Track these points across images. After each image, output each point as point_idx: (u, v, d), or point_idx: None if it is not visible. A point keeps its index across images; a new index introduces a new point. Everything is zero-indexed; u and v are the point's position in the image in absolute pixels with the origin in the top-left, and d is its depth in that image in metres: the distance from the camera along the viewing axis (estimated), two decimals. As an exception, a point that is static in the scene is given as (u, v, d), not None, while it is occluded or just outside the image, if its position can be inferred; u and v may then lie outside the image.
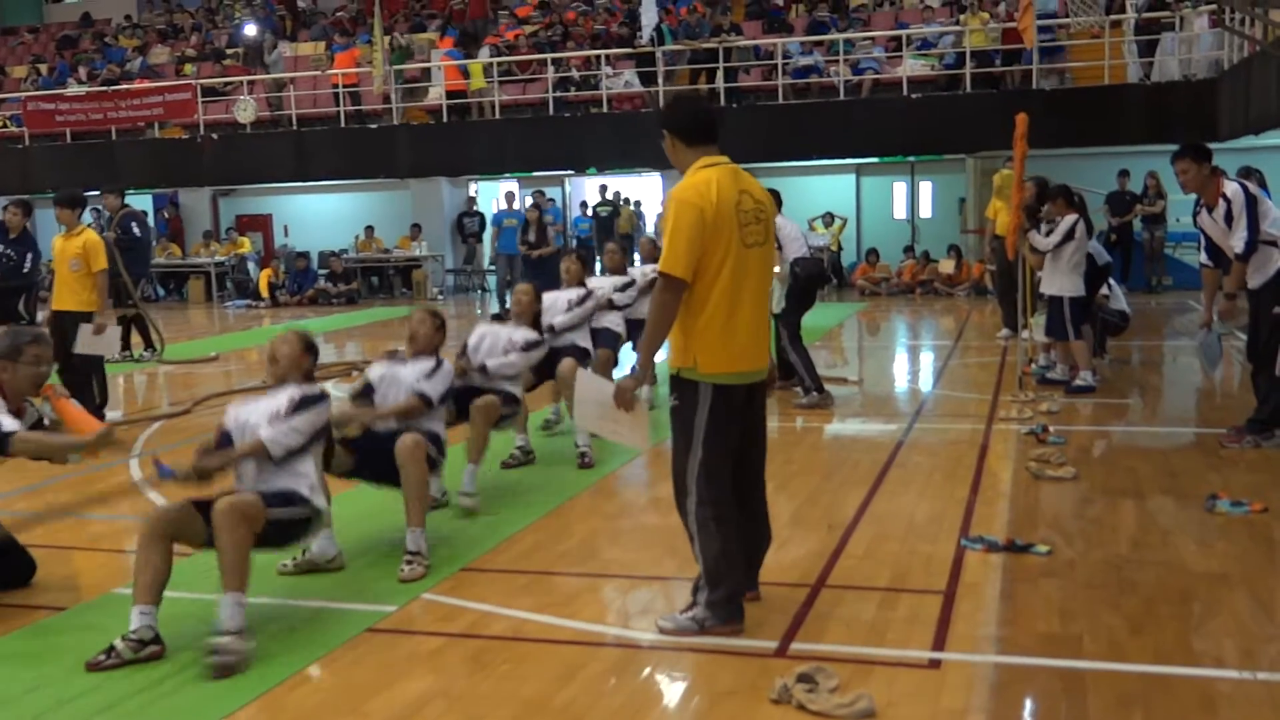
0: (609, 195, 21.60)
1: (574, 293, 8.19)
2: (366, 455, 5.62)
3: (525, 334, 7.06)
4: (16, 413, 5.02)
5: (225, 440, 4.91)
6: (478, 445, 6.44)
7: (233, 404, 5.13)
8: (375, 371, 6.09)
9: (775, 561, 5.34)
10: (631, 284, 9.01)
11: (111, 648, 4.34)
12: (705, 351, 4.42)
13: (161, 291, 22.89)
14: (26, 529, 6.26)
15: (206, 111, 22.52)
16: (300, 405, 4.85)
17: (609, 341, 8.57)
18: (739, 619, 4.52)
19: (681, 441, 4.51)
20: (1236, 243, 7.18)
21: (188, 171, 22.84)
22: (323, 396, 4.98)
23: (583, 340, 8.06)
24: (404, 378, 5.94)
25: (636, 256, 12.38)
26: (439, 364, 6.01)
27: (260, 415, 4.87)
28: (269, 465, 4.75)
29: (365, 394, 6.00)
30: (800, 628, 4.56)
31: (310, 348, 5.16)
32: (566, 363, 7.51)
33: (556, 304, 8.10)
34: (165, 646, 4.40)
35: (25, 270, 9.82)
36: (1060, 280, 9.57)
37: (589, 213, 22.33)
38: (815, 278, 9.67)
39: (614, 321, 8.76)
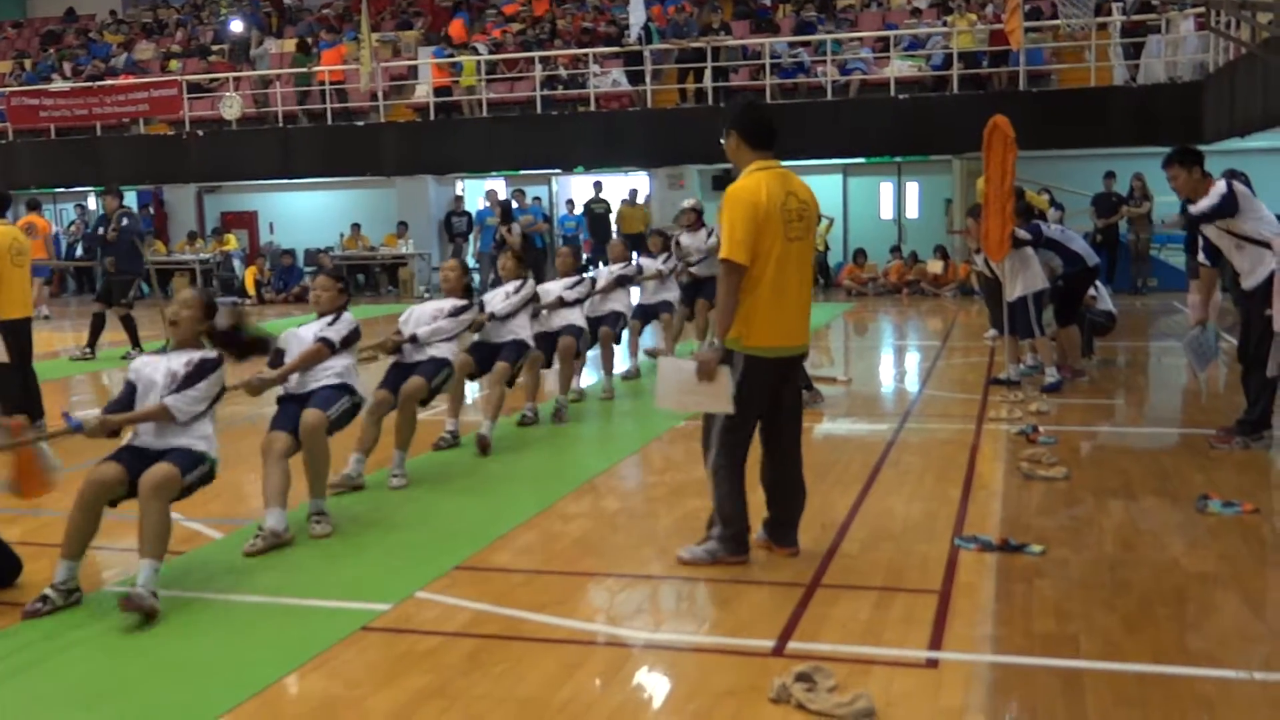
0: (603, 193, 21.52)
1: (510, 285, 8.42)
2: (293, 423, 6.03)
3: (452, 302, 7.49)
4: None
5: (130, 392, 5.27)
6: (404, 430, 6.97)
7: (138, 358, 5.46)
8: (282, 338, 6.44)
9: (769, 560, 5.36)
10: (580, 282, 9.34)
11: (45, 596, 4.83)
12: (751, 327, 5.10)
13: (146, 289, 22.75)
14: (10, 527, 6.21)
15: (192, 108, 22.42)
16: (199, 372, 5.19)
17: (573, 332, 9.05)
18: (745, 553, 5.33)
19: None
20: (1201, 205, 7.24)
21: (173, 168, 22.73)
22: (219, 362, 5.31)
23: (523, 333, 8.27)
24: (305, 335, 6.36)
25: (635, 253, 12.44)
26: (339, 315, 6.44)
27: (161, 374, 5.21)
28: (172, 425, 5.12)
29: (278, 360, 6.28)
30: (797, 627, 4.55)
31: (209, 311, 5.46)
32: (565, 341, 8.69)
33: (495, 297, 8.37)
34: (83, 594, 4.94)
35: None
36: (1024, 280, 9.62)
37: (575, 210, 22.31)
38: None
39: (575, 317, 9.12)
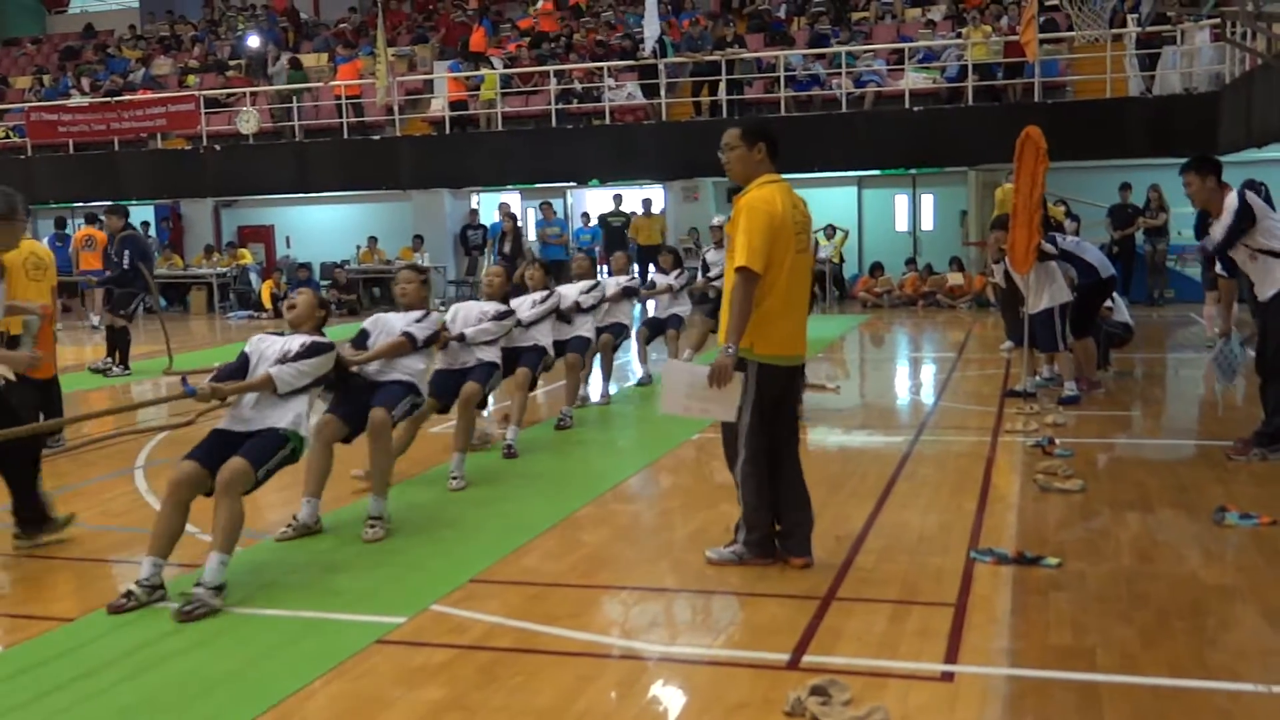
0: (623, 206, 21.50)
1: (538, 294, 8.75)
2: (352, 412, 6.27)
3: (496, 306, 7.80)
4: None
5: (243, 362, 5.65)
6: (463, 434, 7.23)
7: (257, 335, 5.83)
8: (369, 320, 6.82)
9: (784, 574, 5.36)
10: (596, 286, 9.69)
11: (130, 592, 5.01)
12: (761, 337, 5.19)
13: (164, 302, 22.87)
14: (32, 539, 6.24)
15: (209, 123, 22.56)
16: (310, 351, 5.58)
17: (579, 346, 9.30)
18: (771, 556, 5.45)
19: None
20: (1208, 241, 7.24)
21: (190, 182, 22.89)
22: (330, 346, 5.71)
23: (543, 340, 8.59)
24: (394, 324, 6.63)
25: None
26: (427, 313, 6.76)
27: (274, 351, 5.60)
28: (271, 396, 5.43)
29: (361, 340, 6.61)
30: (812, 640, 4.54)
31: (324, 304, 5.97)
32: (571, 357, 8.79)
33: (522, 304, 8.58)
34: (167, 592, 5.11)
35: None
36: (1049, 293, 9.58)
37: (591, 223, 22.33)
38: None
39: (584, 328, 9.39)
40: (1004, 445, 8.15)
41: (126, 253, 13.28)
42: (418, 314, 6.70)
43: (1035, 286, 9.64)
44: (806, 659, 4.35)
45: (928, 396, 11.03)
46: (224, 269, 23.05)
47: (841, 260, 20.61)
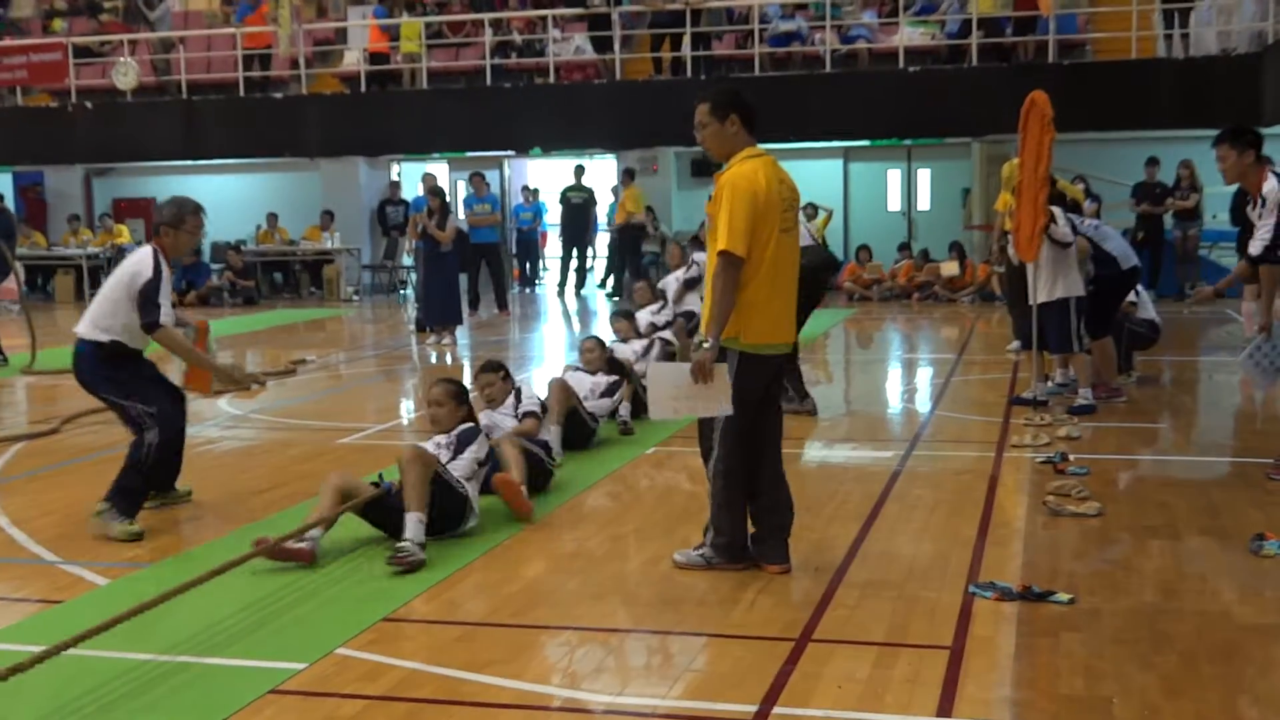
0: (584, 180, 21.37)
1: (603, 380, 9.35)
2: None
3: (606, 379, 9.19)
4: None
5: None
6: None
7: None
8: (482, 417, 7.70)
9: (753, 611, 5.39)
10: (664, 307, 11.35)
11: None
12: (746, 324, 5.54)
13: (26, 289, 22.56)
14: None
15: (79, 76, 22.32)
16: (464, 441, 6.67)
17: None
18: (740, 562, 5.82)
19: None
20: (1254, 245, 7.29)
21: (56, 146, 22.62)
22: (478, 431, 6.81)
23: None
24: (504, 422, 7.95)
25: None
26: (518, 392, 8.20)
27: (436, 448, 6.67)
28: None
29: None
30: (784, 689, 4.56)
31: (462, 398, 6.90)
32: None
33: (582, 384, 9.13)
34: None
35: None
36: (1063, 283, 9.58)
37: (539, 199, 22.28)
38: (820, 268, 9.83)
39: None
40: (1010, 461, 8.23)
41: None
42: (513, 403, 8.07)
43: (1045, 275, 9.61)
44: (777, 710, 4.37)
45: (922, 405, 11.11)
46: (96, 249, 22.78)
47: (824, 244, 20.68)
